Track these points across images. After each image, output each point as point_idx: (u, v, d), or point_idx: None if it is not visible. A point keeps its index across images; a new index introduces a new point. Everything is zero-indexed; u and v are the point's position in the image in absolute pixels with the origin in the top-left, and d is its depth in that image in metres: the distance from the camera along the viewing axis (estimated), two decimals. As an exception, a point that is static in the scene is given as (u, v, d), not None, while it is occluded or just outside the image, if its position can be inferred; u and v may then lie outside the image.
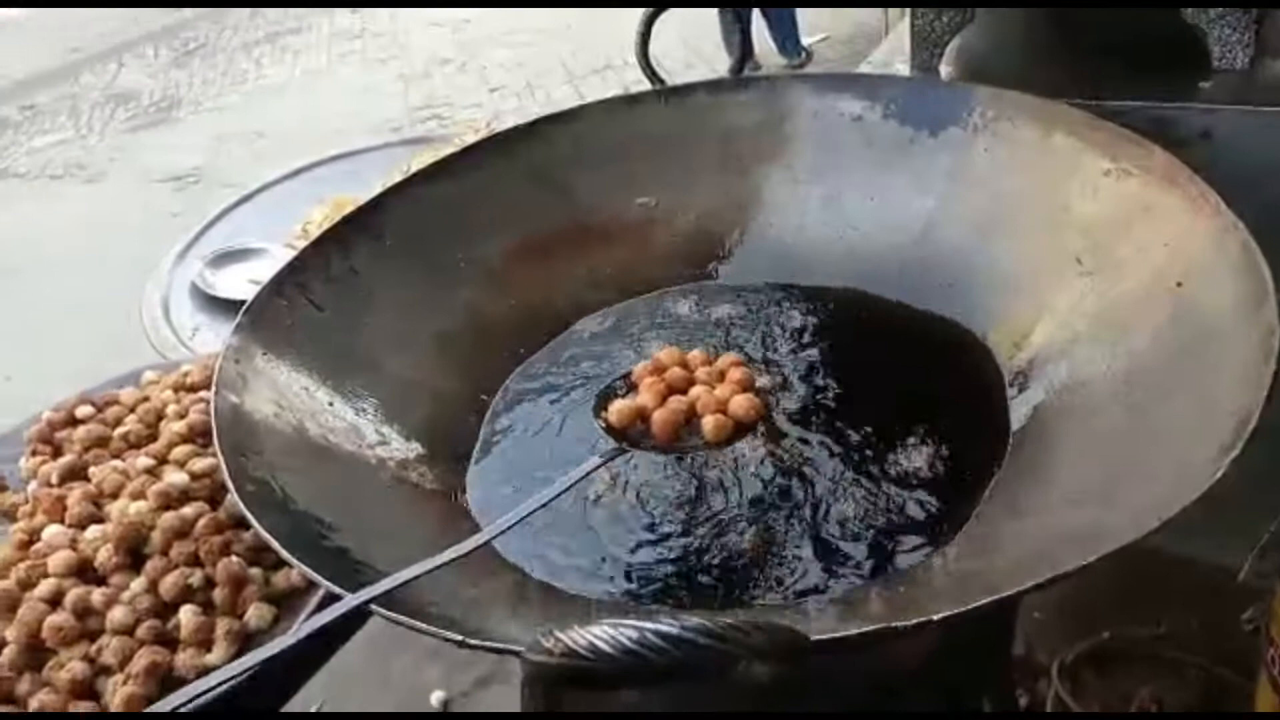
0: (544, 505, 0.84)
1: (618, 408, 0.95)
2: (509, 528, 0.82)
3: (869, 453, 0.95)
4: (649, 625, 0.49)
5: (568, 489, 0.87)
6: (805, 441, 0.98)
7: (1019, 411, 0.95)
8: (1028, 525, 0.79)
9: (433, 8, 6.26)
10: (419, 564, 0.75)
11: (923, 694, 0.94)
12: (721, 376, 0.98)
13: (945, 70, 1.38)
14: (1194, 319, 0.84)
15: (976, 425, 0.96)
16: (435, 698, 2.10)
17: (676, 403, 0.94)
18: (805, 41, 5.16)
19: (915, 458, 0.92)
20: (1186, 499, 0.63)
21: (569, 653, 0.50)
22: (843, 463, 0.94)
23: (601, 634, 0.49)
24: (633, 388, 0.98)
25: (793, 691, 0.85)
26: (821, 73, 4.39)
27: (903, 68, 1.44)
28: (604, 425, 0.95)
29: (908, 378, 1.06)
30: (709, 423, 0.91)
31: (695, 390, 0.96)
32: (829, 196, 1.21)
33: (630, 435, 0.93)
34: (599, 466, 0.90)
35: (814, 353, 1.10)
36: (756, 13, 5.07)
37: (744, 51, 1.60)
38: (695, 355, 1.01)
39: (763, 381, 1.04)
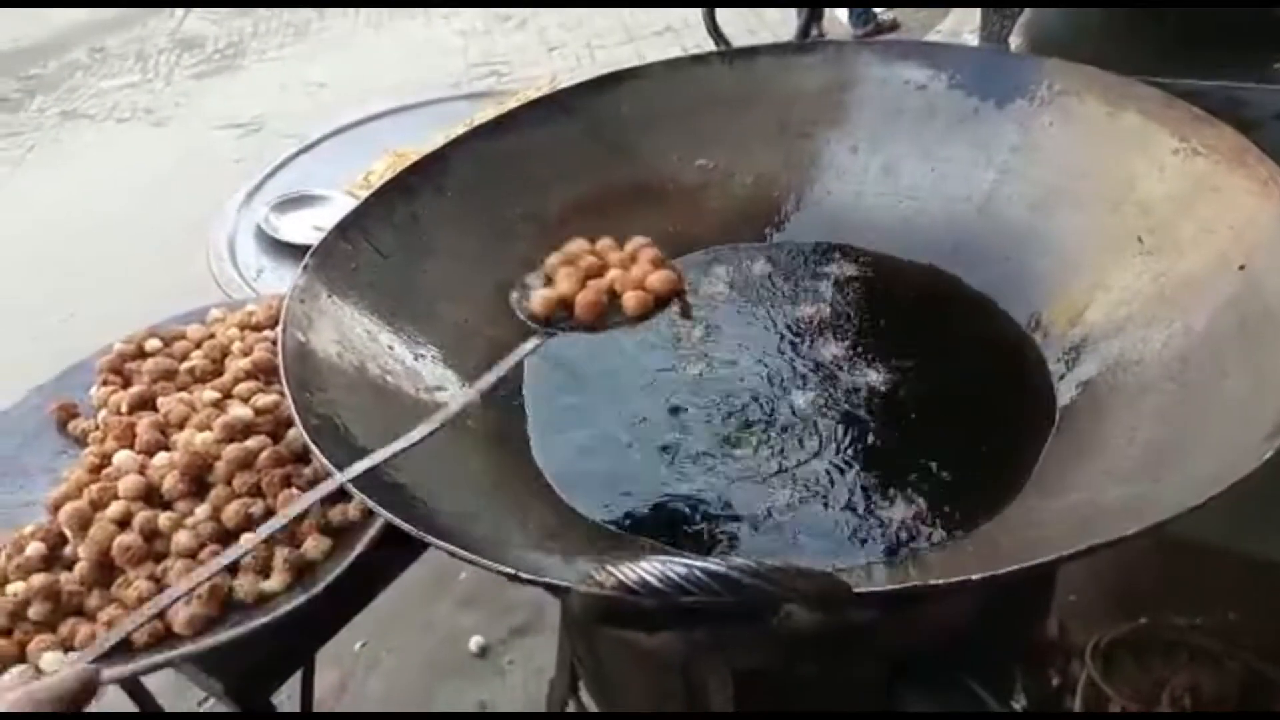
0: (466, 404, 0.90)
1: (540, 296, 0.97)
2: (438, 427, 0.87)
3: (920, 422, 0.96)
4: (697, 563, 0.51)
5: (499, 376, 0.93)
6: (858, 407, 0.99)
7: (1069, 387, 0.95)
8: (1072, 499, 0.80)
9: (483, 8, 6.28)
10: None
11: (955, 664, 0.96)
12: (634, 258, 1.01)
13: (1015, 42, 1.36)
14: (1255, 302, 0.83)
15: (1025, 399, 0.97)
16: (474, 642, 2.16)
17: (596, 284, 0.97)
18: (877, 11, 5.09)
19: (964, 429, 0.94)
20: (1233, 478, 0.63)
21: (619, 586, 0.52)
22: (895, 430, 0.95)
23: (651, 569, 0.51)
24: (548, 280, 1.01)
25: (828, 648, 0.87)
26: (888, 39, 4.32)
27: (971, 38, 1.42)
28: (527, 316, 0.97)
29: (958, 350, 1.06)
30: (630, 299, 0.95)
31: (611, 273, 0.99)
32: (889, 165, 1.21)
33: (555, 322, 0.97)
34: (530, 352, 0.95)
35: (866, 320, 1.11)
36: None
37: (811, 15, 1.58)
38: (605, 242, 1.04)
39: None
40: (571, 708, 1.35)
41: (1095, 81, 1.08)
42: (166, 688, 1.65)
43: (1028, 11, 1.36)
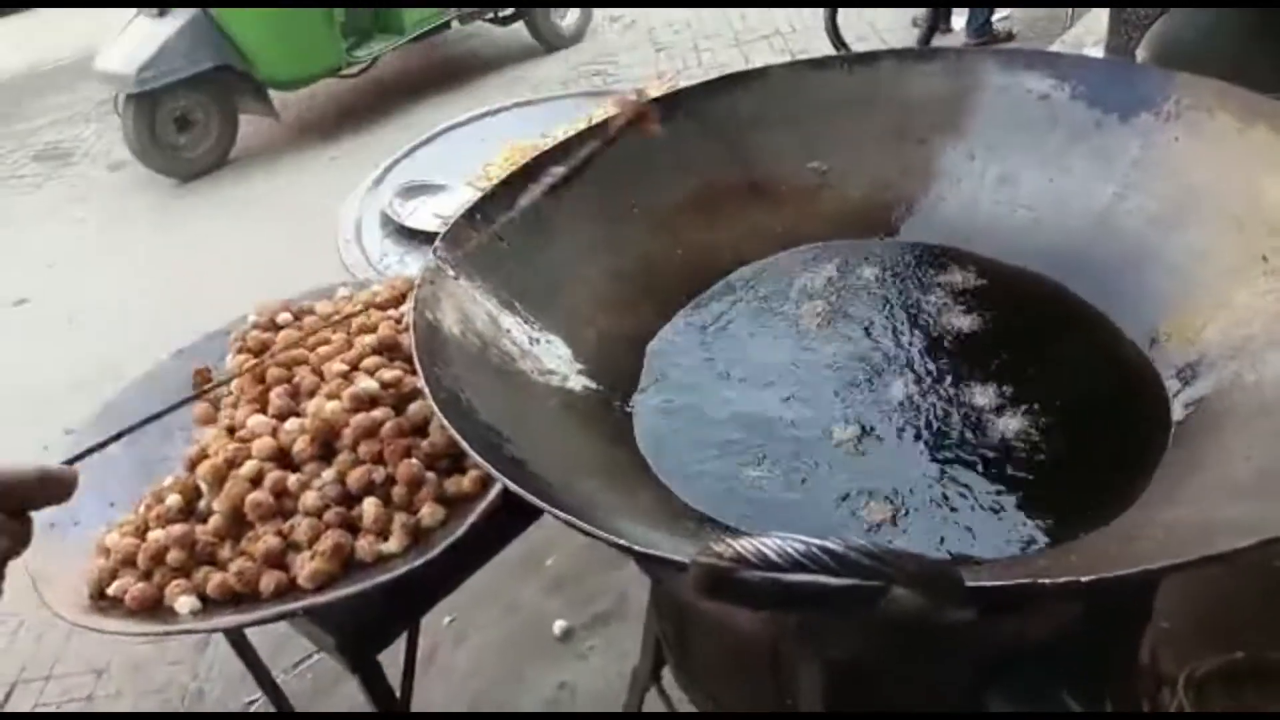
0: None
1: None
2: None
3: (1033, 432, 0.97)
4: (816, 541, 0.53)
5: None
6: (974, 412, 1.01)
7: (1184, 404, 0.94)
8: (1183, 514, 0.80)
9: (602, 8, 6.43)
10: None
11: (1047, 672, 0.96)
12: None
13: (1142, 55, 1.34)
14: (1384, 327, 0.81)
15: (1139, 414, 0.96)
16: (558, 626, 2.22)
17: None
18: (995, 19, 5.00)
19: (1077, 441, 0.94)
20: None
21: (737, 557, 0.55)
22: (1008, 438, 0.96)
23: (771, 544, 0.54)
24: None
25: (925, 644, 0.89)
26: (1011, 48, 4.23)
27: (1095, 50, 1.40)
28: None
29: (1072, 362, 1.06)
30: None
31: None
32: (1006, 174, 1.21)
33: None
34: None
35: (982, 329, 1.12)
36: None
37: (933, 23, 1.59)
38: None
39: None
40: (652, 695, 1.38)
41: (1225, 96, 1.07)
42: (266, 646, 1.75)
43: (1156, 24, 1.34)
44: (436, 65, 6.06)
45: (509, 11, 5.87)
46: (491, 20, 5.97)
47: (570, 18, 6.16)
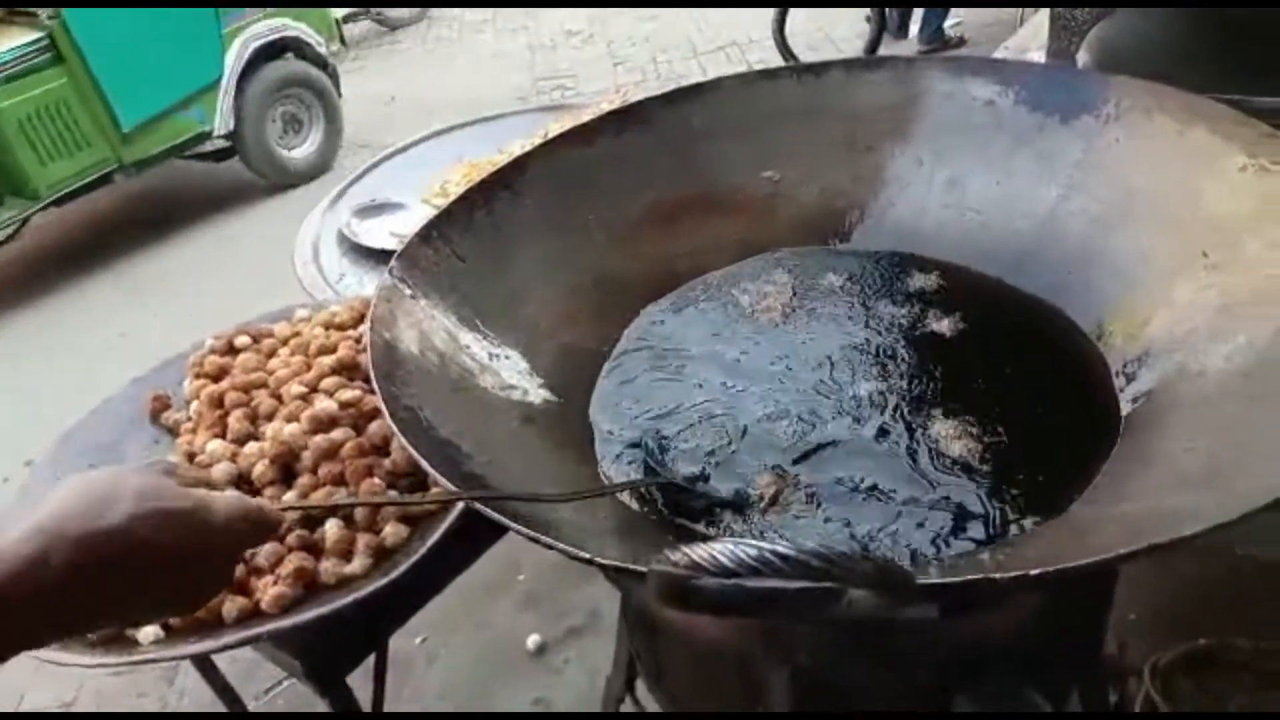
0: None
1: None
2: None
3: (980, 430, 0.98)
4: (767, 545, 0.54)
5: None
6: (920, 408, 1.02)
7: (1130, 397, 0.96)
8: (1133, 505, 0.82)
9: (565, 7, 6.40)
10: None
11: (1012, 671, 0.97)
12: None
13: (1083, 58, 1.37)
14: (1321, 317, 0.84)
15: (1085, 410, 0.98)
16: (531, 641, 2.21)
17: None
18: (947, 25, 5.08)
19: (1023, 437, 0.95)
20: (1294, 486, 0.65)
21: (692, 565, 0.56)
22: (957, 436, 0.98)
23: (722, 549, 0.55)
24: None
25: (887, 646, 0.90)
26: (956, 55, 4.31)
27: (1039, 55, 1.43)
28: None
29: (1019, 361, 1.08)
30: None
31: None
32: (954, 179, 1.23)
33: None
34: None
35: (929, 329, 1.13)
36: None
37: (879, 28, 1.61)
38: None
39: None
40: (627, 706, 1.38)
41: (1163, 98, 1.09)
42: (235, 674, 1.73)
43: (1095, 28, 1.37)
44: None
45: (222, 143, 4.59)
46: (199, 156, 4.72)
47: (309, 144, 4.84)
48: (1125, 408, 0.96)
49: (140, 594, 0.62)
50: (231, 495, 0.67)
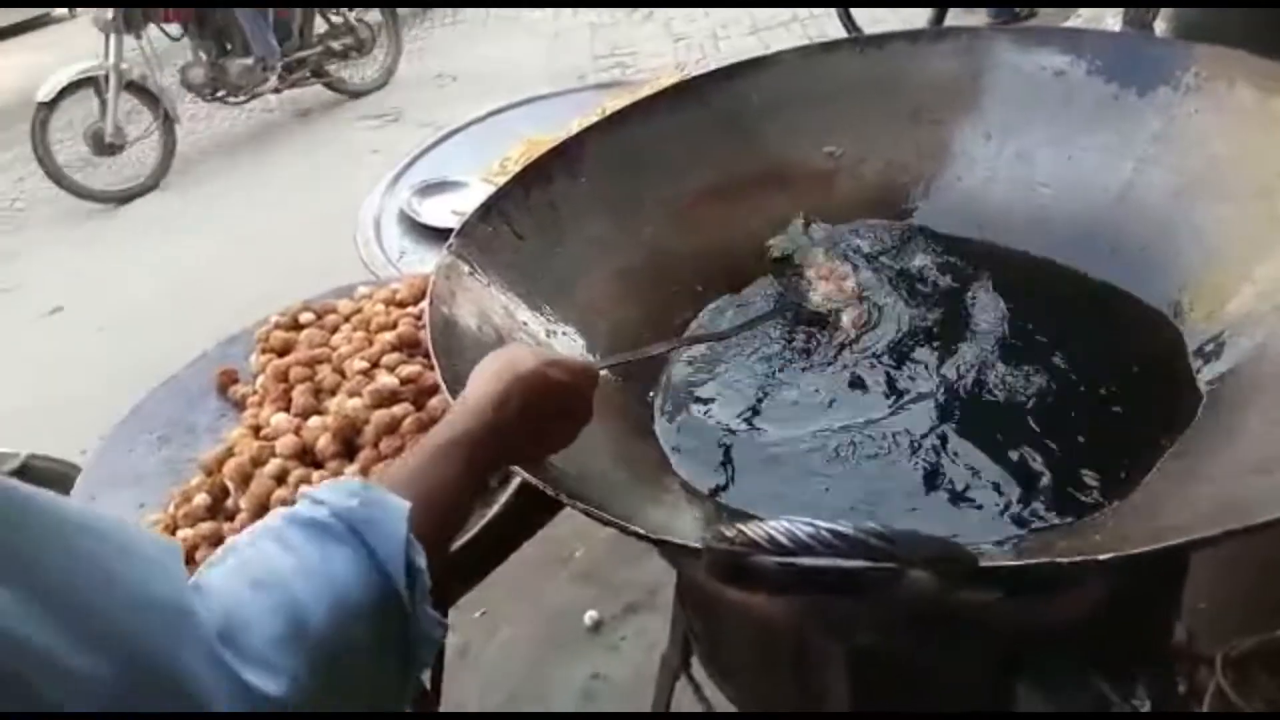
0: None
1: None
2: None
3: (1054, 407, 0.96)
4: (824, 524, 0.53)
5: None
6: (991, 388, 1.00)
7: (1207, 378, 0.93)
8: (1206, 488, 0.79)
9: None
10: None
11: (1077, 658, 0.95)
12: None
13: (1161, 27, 1.32)
14: None
15: (1161, 388, 0.95)
16: (588, 617, 2.23)
17: None
18: None
19: (1099, 415, 0.93)
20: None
21: (749, 542, 0.55)
22: (1028, 413, 0.96)
23: (779, 527, 0.54)
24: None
25: (947, 628, 0.88)
26: (1025, 25, 4.19)
27: (1114, 23, 1.38)
28: None
29: (1094, 338, 1.05)
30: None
31: None
32: (1023, 153, 1.19)
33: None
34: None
35: (1004, 307, 1.11)
36: None
37: (943, 8, 1.57)
38: None
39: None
40: (683, 683, 1.39)
41: (1246, 66, 1.05)
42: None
43: (1175, -3, 1.32)
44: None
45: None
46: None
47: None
48: (1203, 388, 0.92)
49: (552, 427, 0.79)
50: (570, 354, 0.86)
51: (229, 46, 4.98)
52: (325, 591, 0.52)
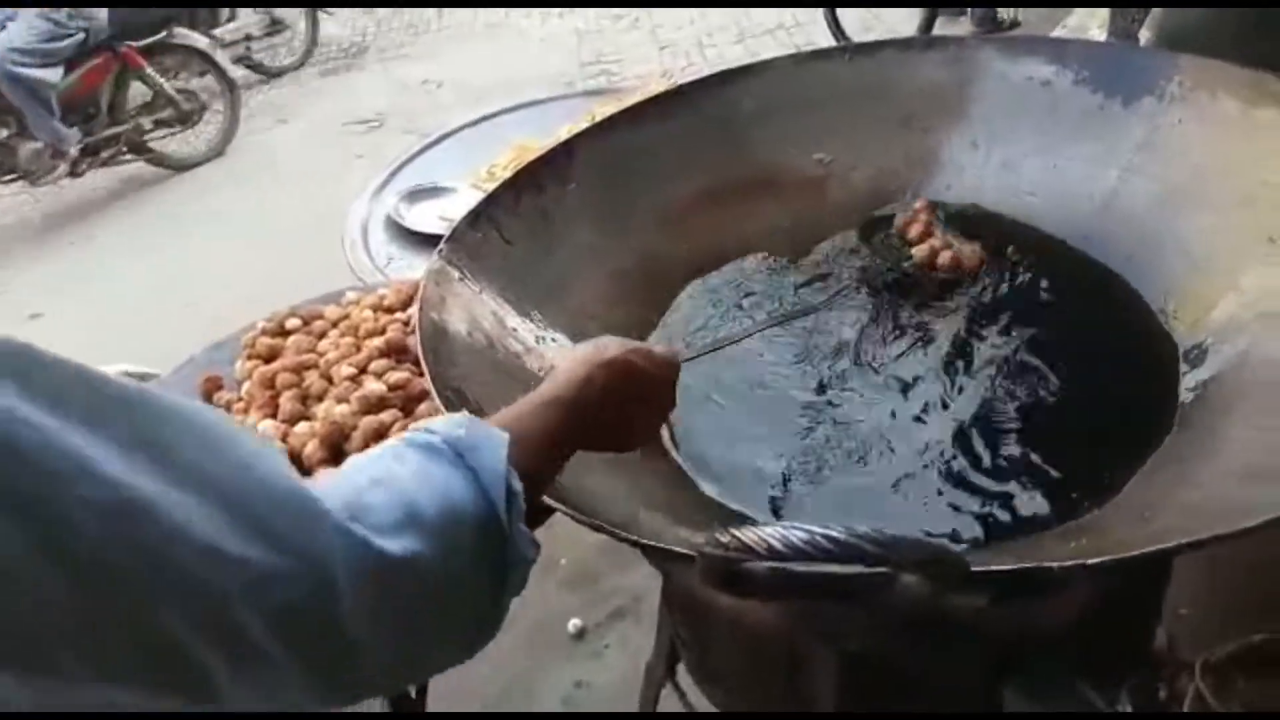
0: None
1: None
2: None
3: (1036, 415, 0.97)
4: (819, 529, 0.53)
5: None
6: (979, 391, 1.01)
7: (1192, 384, 0.94)
8: (1193, 494, 0.80)
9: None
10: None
11: (1062, 663, 0.95)
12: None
13: (1145, 36, 1.34)
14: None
15: (1147, 395, 0.96)
16: (572, 624, 2.22)
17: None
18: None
19: (1086, 423, 0.94)
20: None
21: (742, 547, 0.55)
22: (1014, 417, 0.97)
23: (773, 533, 0.54)
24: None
25: (937, 633, 0.89)
26: (1012, 35, 4.22)
27: (1099, 33, 1.40)
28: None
29: (1078, 346, 1.06)
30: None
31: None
32: (1009, 161, 1.20)
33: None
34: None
35: (987, 311, 1.12)
36: None
37: (933, 11, 1.58)
38: None
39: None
40: (668, 691, 1.38)
41: (1230, 77, 1.06)
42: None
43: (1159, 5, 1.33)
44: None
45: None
46: None
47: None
48: (1186, 395, 0.93)
49: (635, 413, 0.80)
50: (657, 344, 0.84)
51: (14, 129, 4.48)
52: (437, 497, 0.56)
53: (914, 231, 1.21)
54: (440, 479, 0.57)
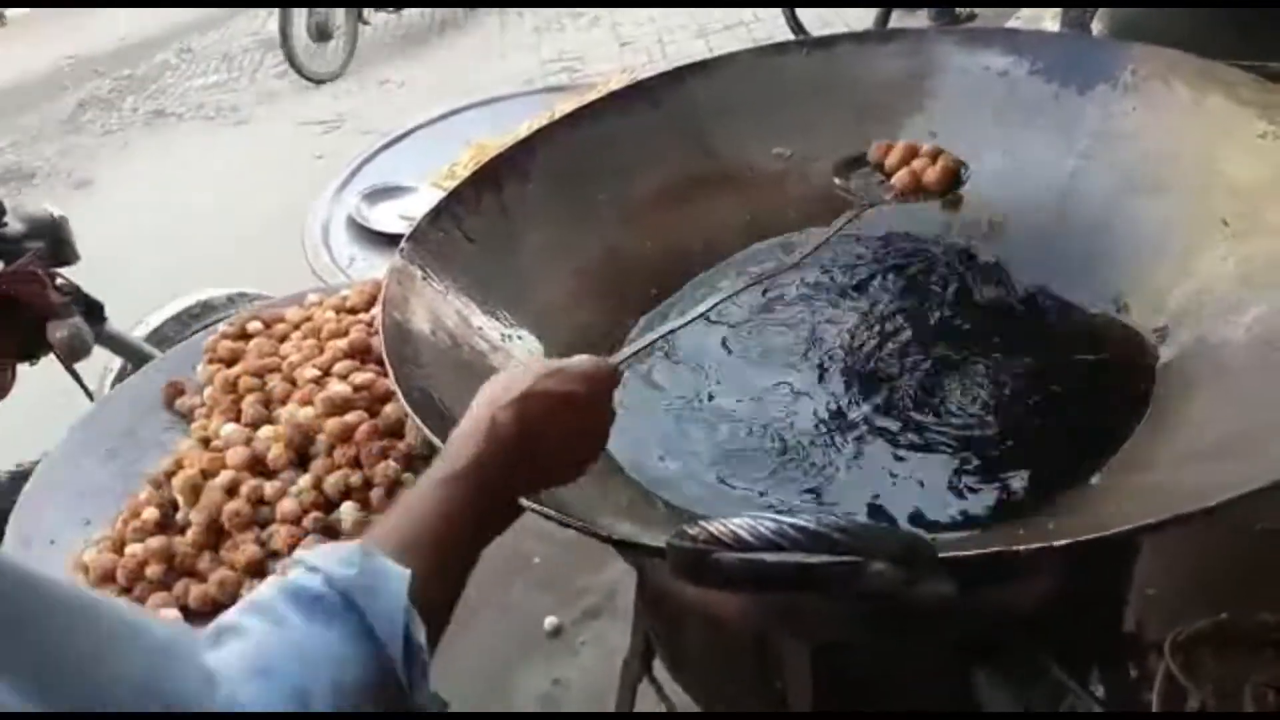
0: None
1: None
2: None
3: (1004, 400, 0.98)
4: (787, 519, 0.54)
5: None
6: (938, 390, 1.01)
7: (1152, 369, 0.95)
8: (1155, 477, 0.81)
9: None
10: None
11: (1034, 646, 0.96)
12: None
13: (1097, 27, 1.36)
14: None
15: (1108, 382, 0.97)
16: (548, 623, 2.22)
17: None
18: None
19: (1049, 409, 0.95)
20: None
21: (711, 539, 0.55)
22: (979, 406, 0.97)
23: (742, 524, 0.54)
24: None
25: (909, 621, 0.89)
26: (969, 27, 4.26)
27: (1053, 24, 1.41)
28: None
29: (1038, 335, 1.07)
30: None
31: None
32: (968, 152, 1.21)
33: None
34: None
35: (950, 304, 1.13)
36: None
37: (886, 11, 1.59)
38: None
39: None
40: (645, 686, 1.39)
41: (1180, 65, 1.08)
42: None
43: None
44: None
45: None
46: None
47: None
48: (1148, 378, 0.95)
49: (564, 445, 0.73)
50: (578, 357, 0.78)
51: None
52: (324, 673, 0.51)
53: (892, 159, 1.20)
54: (326, 647, 0.52)
